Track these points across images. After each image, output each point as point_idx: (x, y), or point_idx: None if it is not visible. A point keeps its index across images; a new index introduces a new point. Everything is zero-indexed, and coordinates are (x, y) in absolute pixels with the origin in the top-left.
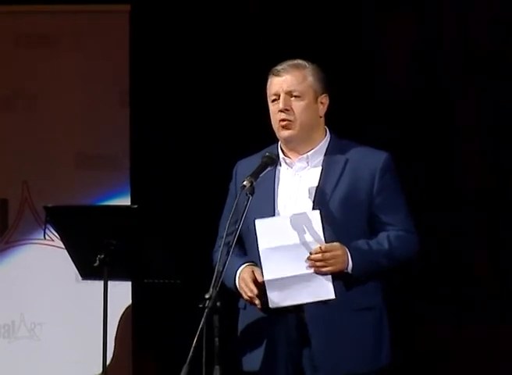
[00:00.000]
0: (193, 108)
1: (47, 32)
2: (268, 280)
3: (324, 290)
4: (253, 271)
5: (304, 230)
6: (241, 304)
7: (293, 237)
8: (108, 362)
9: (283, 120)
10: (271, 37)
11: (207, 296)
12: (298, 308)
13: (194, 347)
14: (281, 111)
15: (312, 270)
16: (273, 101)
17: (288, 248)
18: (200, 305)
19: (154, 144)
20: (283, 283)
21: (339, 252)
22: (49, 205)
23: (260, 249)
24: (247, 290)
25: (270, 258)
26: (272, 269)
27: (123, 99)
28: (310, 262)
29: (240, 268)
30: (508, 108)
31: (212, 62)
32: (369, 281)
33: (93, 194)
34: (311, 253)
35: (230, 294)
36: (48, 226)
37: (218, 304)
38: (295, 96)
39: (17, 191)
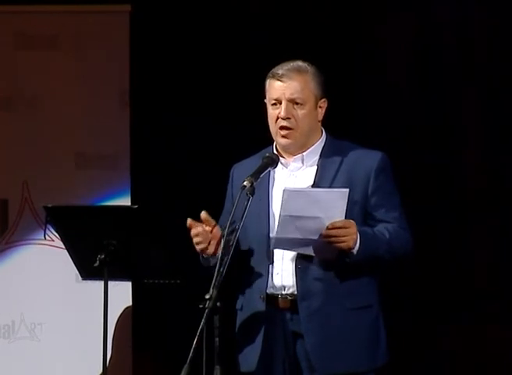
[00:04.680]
0: (193, 109)
1: (47, 32)
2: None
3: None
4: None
5: (327, 206)
6: (238, 305)
7: (316, 211)
8: (108, 362)
9: (284, 128)
10: (271, 37)
11: (207, 296)
12: (293, 308)
13: (194, 347)
14: (282, 118)
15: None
16: (273, 104)
17: (307, 219)
18: (201, 306)
19: (154, 144)
20: (288, 240)
21: (353, 230)
22: (49, 205)
23: (281, 214)
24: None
25: (286, 224)
26: (285, 231)
27: (123, 99)
28: (324, 233)
29: None
30: (508, 109)
31: (212, 62)
32: (365, 280)
33: (93, 194)
34: (328, 228)
35: (230, 294)
36: (48, 226)
37: (218, 304)
38: (297, 103)
39: (17, 191)
